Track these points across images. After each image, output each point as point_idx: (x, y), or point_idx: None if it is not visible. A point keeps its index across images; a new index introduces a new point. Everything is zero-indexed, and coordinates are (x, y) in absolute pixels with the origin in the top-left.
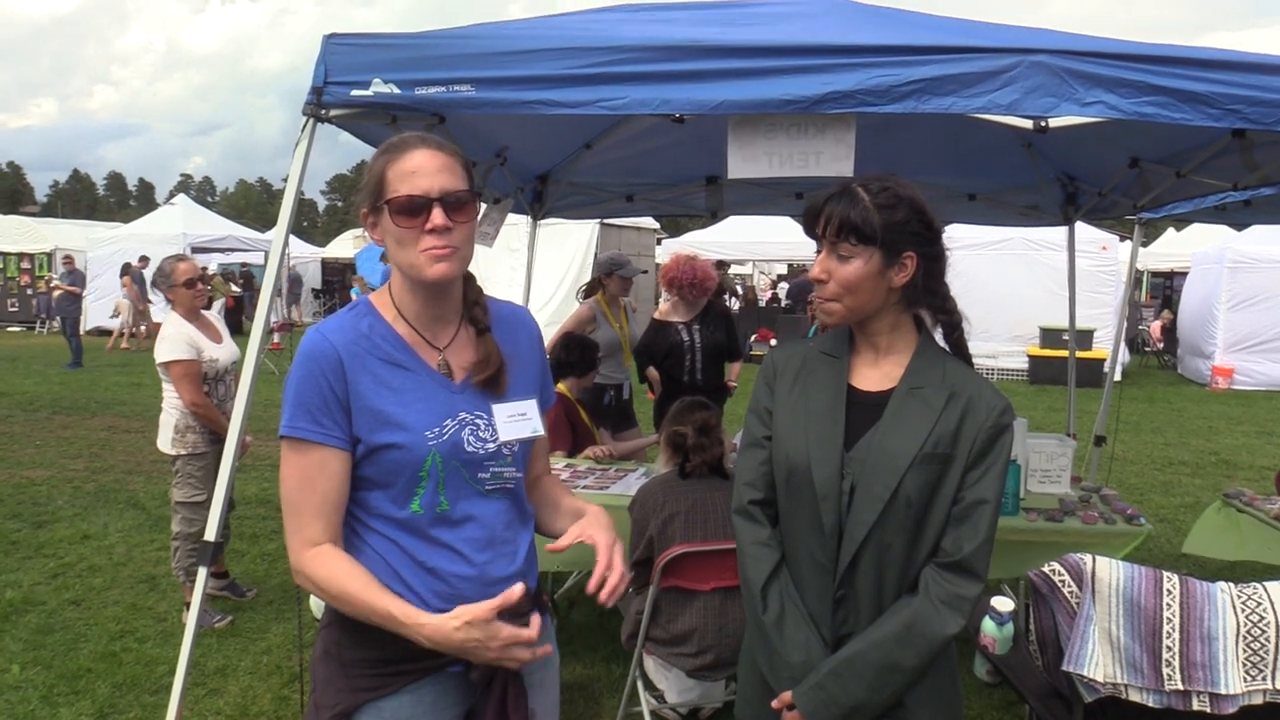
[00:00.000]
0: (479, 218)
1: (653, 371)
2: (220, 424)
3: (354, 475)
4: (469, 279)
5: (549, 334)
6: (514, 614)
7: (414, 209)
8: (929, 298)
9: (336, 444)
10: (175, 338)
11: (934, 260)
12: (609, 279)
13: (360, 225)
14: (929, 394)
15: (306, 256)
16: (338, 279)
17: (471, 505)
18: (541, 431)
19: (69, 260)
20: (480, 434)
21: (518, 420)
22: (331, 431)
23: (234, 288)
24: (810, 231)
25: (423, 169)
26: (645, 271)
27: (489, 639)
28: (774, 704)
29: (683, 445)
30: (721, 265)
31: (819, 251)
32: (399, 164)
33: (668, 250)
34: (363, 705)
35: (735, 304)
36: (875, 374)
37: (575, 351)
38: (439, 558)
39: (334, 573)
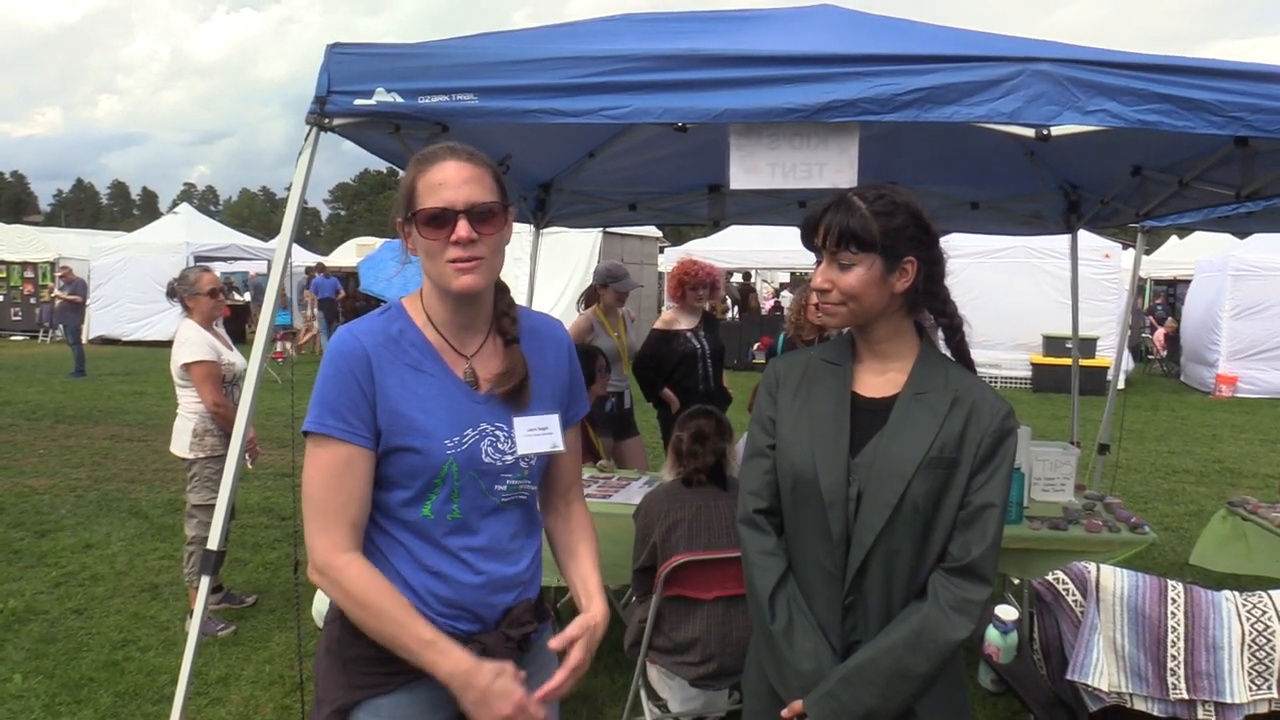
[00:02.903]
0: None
1: (668, 393)
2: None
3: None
4: (502, 290)
5: None
6: (515, 623)
7: (439, 221)
8: (930, 301)
9: (363, 443)
10: (197, 340)
11: (933, 264)
12: (604, 290)
13: (363, 234)
14: (933, 399)
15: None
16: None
17: (483, 516)
18: (561, 447)
19: (65, 271)
20: (499, 446)
21: (538, 434)
22: (358, 430)
23: (237, 295)
24: (809, 243)
25: (449, 181)
26: (641, 286)
27: (492, 704)
28: (784, 713)
29: (682, 451)
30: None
31: (819, 262)
32: (427, 176)
33: (671, 259)
34: (361, 702)
35: (738, 312)
36: (878, 380)
37: None
38: (444, 563)
39: (373, 586)
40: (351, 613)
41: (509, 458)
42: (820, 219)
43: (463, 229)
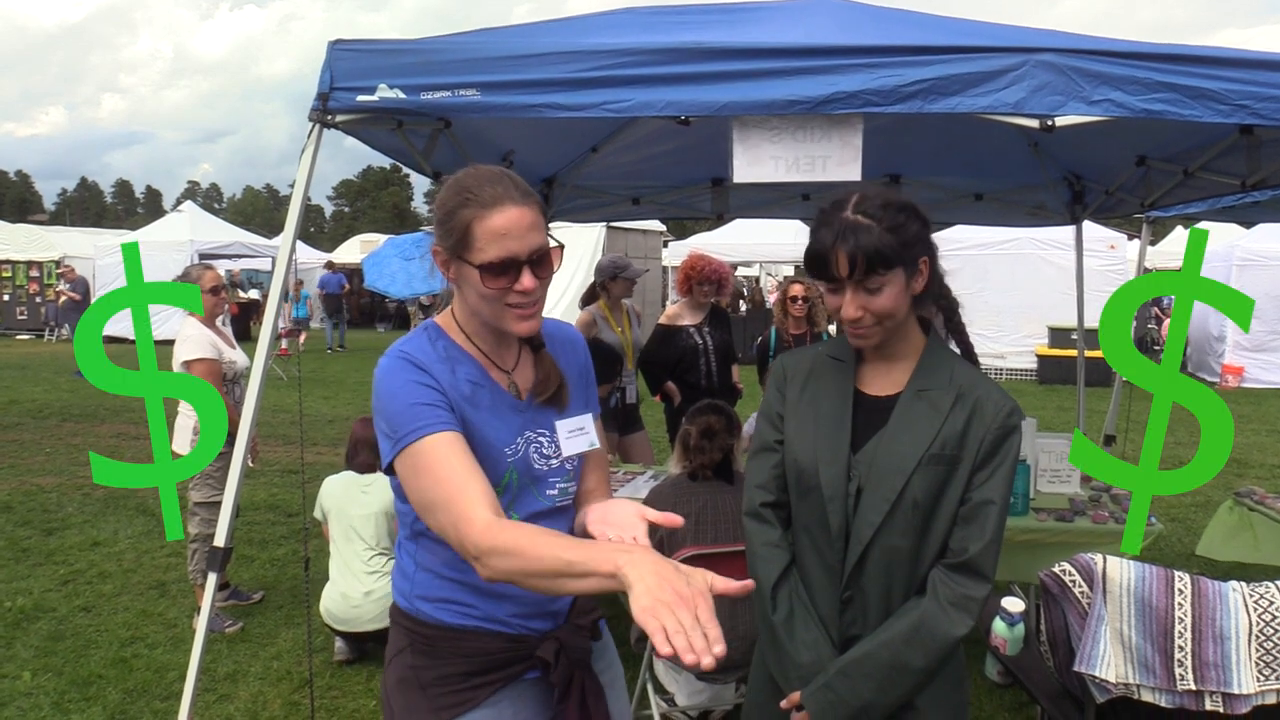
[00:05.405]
0: None
1: (671, 385)
2: (238, 424)
3: None
4: None
5: None
6: (583, 611)
7: (503, 269)
8: (935, 287)
9: (458, 428)
10: (198, 338)
11: (936, 256)
12: (613, 282)
13: (367, 231)
14: (935, 396)
15: (313, 263)
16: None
17: (539, 520)
18: (597, 444)
19: (67, 270)
20: (544, 451)
21: (577, 435)
22: (449, 420)
23: (241, 293)
24: (823, 275)
25: (514, 230)
26: (647, 270)
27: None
28: (783, 704)
29: (689, 446)
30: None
31: (832, 289)
32: (489, 221)
33: (674, 253)
34: None
35: (743, 306)
36: (883, 379)
37: None
38: None
39: (535, 538)
40: (526, 576)
41: (554, 461)
42: (832, 249)
43: (528, 280)
